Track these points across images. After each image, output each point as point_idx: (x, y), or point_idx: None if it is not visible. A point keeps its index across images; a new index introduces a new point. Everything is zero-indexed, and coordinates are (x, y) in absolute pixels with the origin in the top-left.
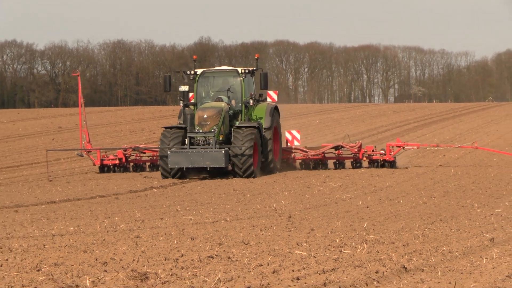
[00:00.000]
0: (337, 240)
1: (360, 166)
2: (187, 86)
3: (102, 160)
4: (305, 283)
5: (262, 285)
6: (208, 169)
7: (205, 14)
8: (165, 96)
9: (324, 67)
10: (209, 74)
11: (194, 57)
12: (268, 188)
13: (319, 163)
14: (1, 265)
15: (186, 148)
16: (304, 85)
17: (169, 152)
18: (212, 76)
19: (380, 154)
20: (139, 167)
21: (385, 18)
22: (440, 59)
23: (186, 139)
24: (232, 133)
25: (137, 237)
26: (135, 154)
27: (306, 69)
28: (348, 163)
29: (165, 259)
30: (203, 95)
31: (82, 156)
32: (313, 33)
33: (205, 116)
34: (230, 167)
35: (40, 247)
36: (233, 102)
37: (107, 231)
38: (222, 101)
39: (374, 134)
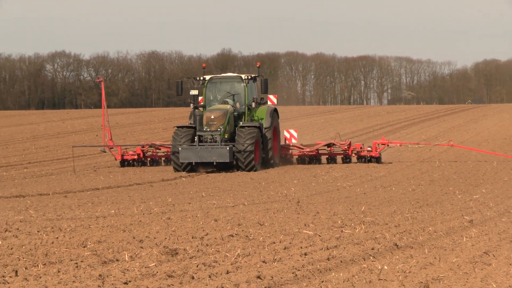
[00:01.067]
0: (339, 222)
1: (350, 162)
2: (197, 91)
3: (122, 155)
4: (312, 258)
5: (275, 259)
6: (215, 164)
7: (227, 29)
8: (192, 99)
9: (328, 75)
10: (217, 80)
11: (203, 65)
12: (280, 177)
13: (313, 159)
14: (53, 242)
15: (195, 145)
16: (311, 90)
17: (180, 148)
18: (219, 81)
19: (367, 150)
20: (155, 161)
21: (380, 33)
22: (426, 68)
23: (195, 137)
24: (236, 132)
25: (169, 218)
26: (151, 150)
27: (312, 76)
28: (339, 158)
29: (192, 237)
30: (211, 98)
31: (105, 152)
32: (318, 46)
33: (212, 117)
34: (234, 162)
35: (86, 227)
36: (237, 104)
37: (143, 214)
38: (227, 103)
39: (370, 132)
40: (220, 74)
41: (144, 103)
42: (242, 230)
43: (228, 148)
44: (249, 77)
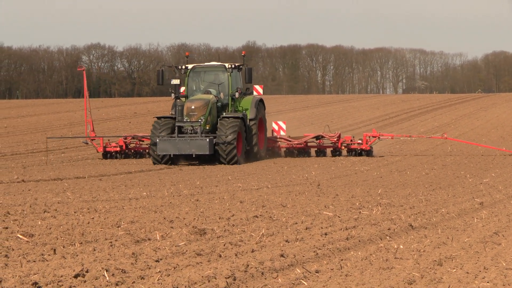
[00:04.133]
0: (357, 204)
1: (340, 155)
2: (179, 80)
3: (105, 147)
4: (332, 238)
5: (297, 239)
6: (194, 156)
7: (252, 22)
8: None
9: (346, 65)
10: (200, 69)
11: (187, 54)
12: (301, 162)
13: (302, 152)
14: (88, 223)
15: (174, 137)
16: (330, 80)
17: (157, 140)
18: (202, 71)
19: (358, 143)
20: (138, 153)
21: (395, 26)
22: (439, 59)
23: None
24: (218, 123)
25: (197, 200)
26: (135, 142)
27: (332, 67)
28: (328, 152)
29: (219, 218)
30: (194, 88)
31: (87, 143)
32: (337, 38)
33: (192, 107)
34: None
35: (120, 208)
36: (221, 95)
37: (173, 196)
38: (210, 93)
39: (386, 119)
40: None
41: None
42: (266, 211)
43: (208, 140)
44: (233, 66)
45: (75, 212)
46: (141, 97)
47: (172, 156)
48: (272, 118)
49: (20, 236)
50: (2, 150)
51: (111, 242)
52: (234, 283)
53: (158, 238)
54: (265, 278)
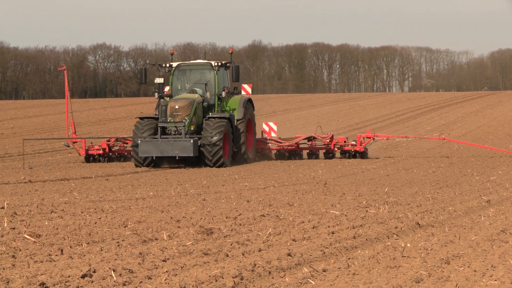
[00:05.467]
0: (364, 202)
1: (333, 157)
2: (162, 79)
3: (87, 150)
4: (339, 236)
5: (304, 238)
6: (177, 158)
7: (257, 21)
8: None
9: (352, 64)
10: (185, 67)
11: (172, 51)
12: (308, 161)
13: (293, 154)
14: (95, 223)
15: (157, 138)
16: (336, 78)
17: (139, 141)
18: (188, 69)
19: (352, 145)
20: (122, 156)
21: (401, 24)
22: (445, 57)
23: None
24: (203, 124)
25: (204, 200)
26: (119, 144)
27: (338, 65)
28: (321, 154)
29: (226, 217)
30: (179, 88)
31: (69, 146)
32: (343, 37)
33: (176, 107)
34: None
35: (126, 208)
36: (207, 94)
37: (180, 195)
38: (195, 93)
39: (393, 117)
40: (253, 65)
41: None
42: (273, 210)
43: (192, 141)
44: (219, 64)
45: (82, 212)
46: (148, 97)
47: (154, 158)
48: (279, 117)
49: (27, 237)
50: (9, 150)
51: (118, 242)
52: (241, 282)
53: (165, 237)
54: (273, 278)
